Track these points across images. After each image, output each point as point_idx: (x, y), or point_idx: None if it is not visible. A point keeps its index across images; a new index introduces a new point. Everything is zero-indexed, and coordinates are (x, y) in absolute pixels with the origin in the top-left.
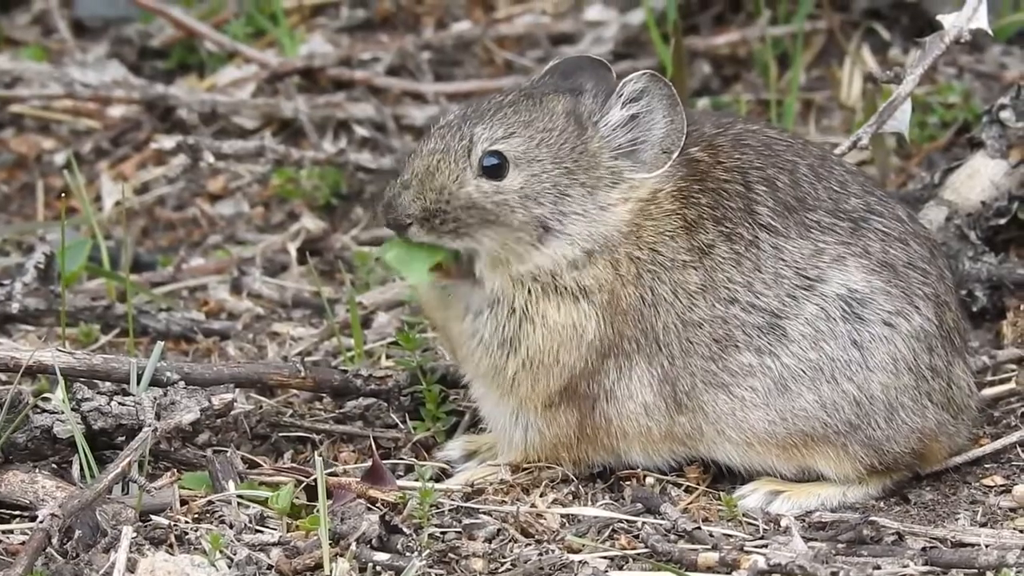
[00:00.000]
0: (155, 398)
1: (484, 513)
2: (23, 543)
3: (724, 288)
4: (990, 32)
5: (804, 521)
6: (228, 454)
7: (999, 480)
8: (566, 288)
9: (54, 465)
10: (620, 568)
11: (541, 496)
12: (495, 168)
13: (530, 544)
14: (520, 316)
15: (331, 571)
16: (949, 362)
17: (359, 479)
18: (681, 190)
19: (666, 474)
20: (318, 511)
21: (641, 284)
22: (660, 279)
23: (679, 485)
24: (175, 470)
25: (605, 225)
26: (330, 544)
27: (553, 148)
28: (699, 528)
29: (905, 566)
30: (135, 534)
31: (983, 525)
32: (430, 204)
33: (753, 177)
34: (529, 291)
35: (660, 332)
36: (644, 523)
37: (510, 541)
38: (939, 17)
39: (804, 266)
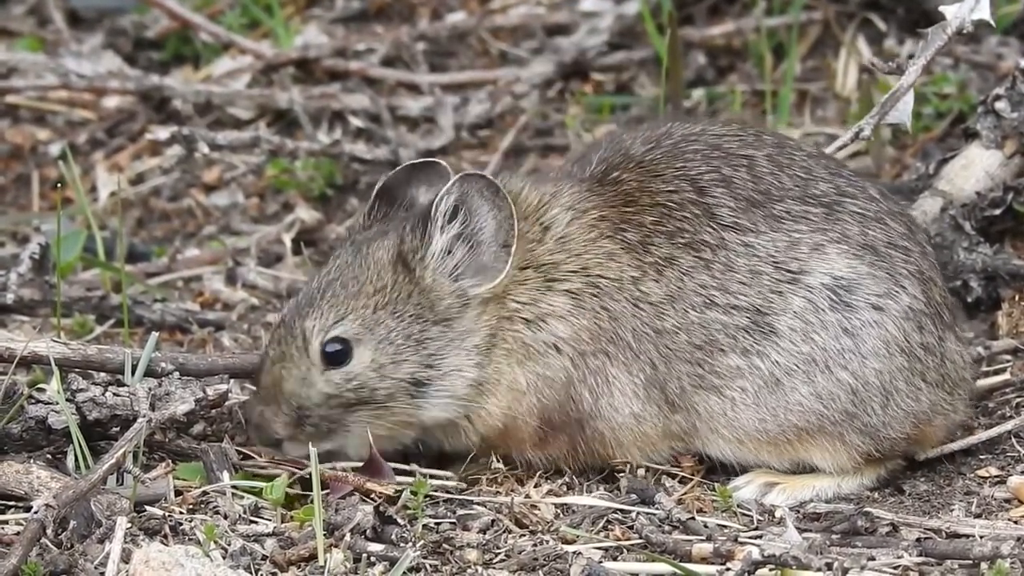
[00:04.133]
0: (150, 389)
1: (478, 504)
2: (17, 534)
3: (696, 295)
4: (993, 24)
5: (799, 512)
6: (222, 445)
7: (994, 471)
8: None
9: (49, 456)
10: (614, 559)
11: (535, 487)
12: (338, 355)
13: (524, 535)
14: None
15: (326, 562)
16: (940, 337)
17: (355, 471)
18: (605, 217)
19: (660, 465)
20: (312, 502)
21: (586, 311)
22: (612, 298)
23: (673, 476)
24: (169, 461)
25: (478, 336)
26: (324, 535)
27: (391, 305)
28: (693, 519)
29: (899, 557)
30: (130, 525)
31: (978, 516)
32: (291, 414)
33: (704, 181)
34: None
35: (631, 341)
36: (638, 514)
37: (504, 532)
38: (941, 8)
39: (782, 259)
